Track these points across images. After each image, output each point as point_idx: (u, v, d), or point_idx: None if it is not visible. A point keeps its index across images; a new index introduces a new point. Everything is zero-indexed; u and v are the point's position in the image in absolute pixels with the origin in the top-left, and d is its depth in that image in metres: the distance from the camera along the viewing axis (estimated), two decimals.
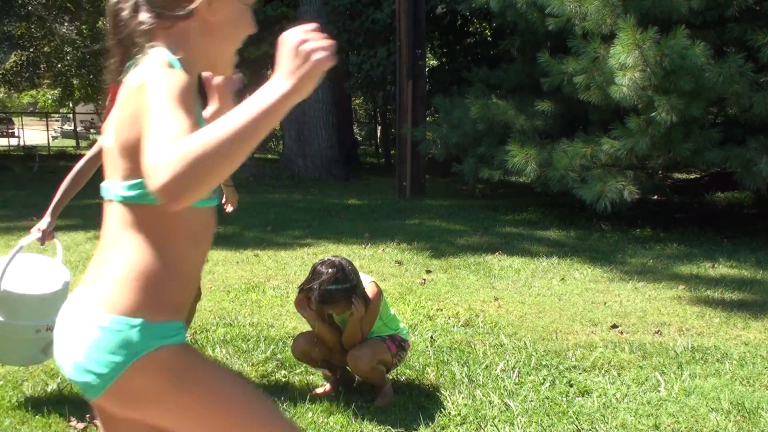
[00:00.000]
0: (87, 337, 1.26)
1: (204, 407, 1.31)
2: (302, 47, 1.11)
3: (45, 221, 2.83)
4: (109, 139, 1.33)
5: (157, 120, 1.10)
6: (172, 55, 1.31)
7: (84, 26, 23.09)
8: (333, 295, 2.92)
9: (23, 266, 2.90)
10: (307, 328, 4.11)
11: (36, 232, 2.81)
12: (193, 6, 1.32)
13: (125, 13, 1.34)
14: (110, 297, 1.26)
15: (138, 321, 1.25)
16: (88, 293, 1.31)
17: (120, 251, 1.29)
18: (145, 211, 1.27)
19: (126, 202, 1.28)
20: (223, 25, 1.38)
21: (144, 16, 1.33)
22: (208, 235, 1.37)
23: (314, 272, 3.00)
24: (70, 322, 1.31)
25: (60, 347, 1.32)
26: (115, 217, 1.31)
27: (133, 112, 1.22)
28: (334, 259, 3.04)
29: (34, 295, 2.85)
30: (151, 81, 1.19)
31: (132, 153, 1.23)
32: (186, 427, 1.33)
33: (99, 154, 2.87)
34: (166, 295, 1.30)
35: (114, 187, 1.30)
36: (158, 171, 1.02)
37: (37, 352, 2.95)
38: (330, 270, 2.96)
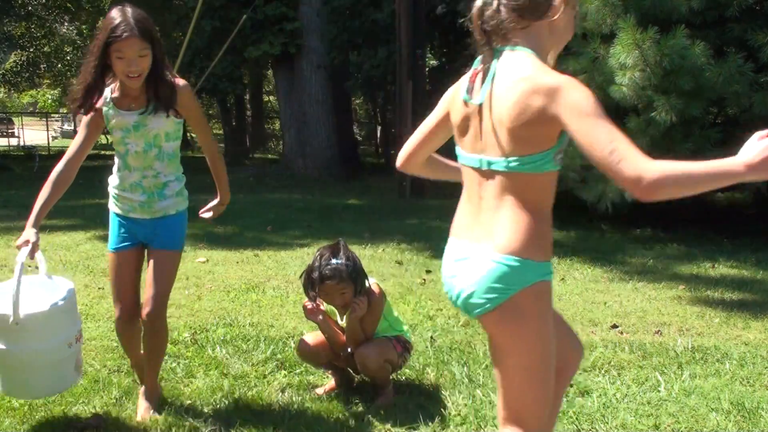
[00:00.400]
0: (488, 271, 1.68)
1: (537, 341, 1.71)
2: None
3: (31, 233, 2.63)
4: (500, 119, 1.64)
5: (608, 133, 1.52)
6: (535, 56, 1.64)
7: (84, 26, 23.08)
8: (337, 270, 2.95)
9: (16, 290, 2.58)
10: (310, 328, 4.12)
11: (25, 245, 2.61)
12: (552, 8, 1.65)
13: (489, 12, 1.66)
14: (508, 243, 1.66)
15: (529, 261, 1.66)
16: (481, 242, 1.72)
17: (506, 209, 1.68)
18: (528, 178, 1.65)
19: (511, 172, 1.65)
20: (562, 28, 1.71)
21: (505, 14, 1.65)
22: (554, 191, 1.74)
23: (315, 257, 3.06)
24: (466, 262, 1.77)
25: (456, 280, 1.81)
26: (493, 183, 1.69)
27: (541, 108, 1.56)
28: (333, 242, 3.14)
29: (55, 306, 2.61)
30: (572, 91, 1.54)
31: (528, 137, 1.60)
32: (516, 352, 1.72)
33: (77, 156, 2.79)
34: (545, 241, 1.71)
35: (499, 160, 1.66)
36: (645, 180, 1.46)
37: (72, 371, 2.75)
38: (331, 248, 3.05)
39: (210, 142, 3.02)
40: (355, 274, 3.01)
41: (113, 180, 2.93)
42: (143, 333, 2.92)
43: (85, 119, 2.82)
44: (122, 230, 2.92)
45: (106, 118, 2.80)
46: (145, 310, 2.85)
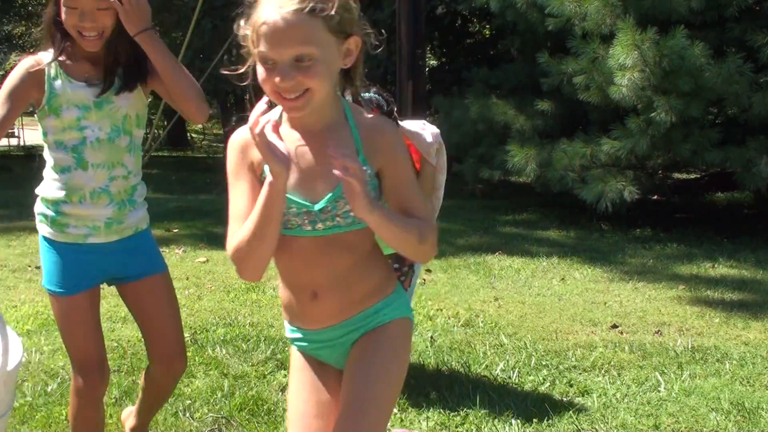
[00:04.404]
0: None
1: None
2: None
3: None
4: None
5: None
6: None
7: None
8: (370, 102, 2.75)
9: None
10: None
11: None
12: None
13: None
14: None
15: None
16: None
17: None
18: None
19: None
20: None
21: None
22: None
23: None
24: None
25: None
26: None
27: None
28: None
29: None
30: None
31: None
32: None
33: None
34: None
35: None
36: None
37: None
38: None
39: None
40: (388, 110, 2.84)
41: (48, 190, 2.09)
42: (158, 383, 2.28)
43: (10, 86, 2.02)
44: (72, 265, 2.08)
45: (50, 91, 2.03)
46: (175, 366, 2.22)
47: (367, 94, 2.82)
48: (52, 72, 2.04)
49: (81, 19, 1.95)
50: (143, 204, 2.19)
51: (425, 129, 2.93)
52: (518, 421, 2.90)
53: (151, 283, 2.18)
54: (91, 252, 2.09)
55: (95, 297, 2.16)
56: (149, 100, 2.21)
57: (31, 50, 2.10)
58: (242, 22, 1.47)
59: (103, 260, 2.11)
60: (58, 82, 2.03)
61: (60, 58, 2.04)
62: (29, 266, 5.81)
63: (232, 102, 21.34)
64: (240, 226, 1.49)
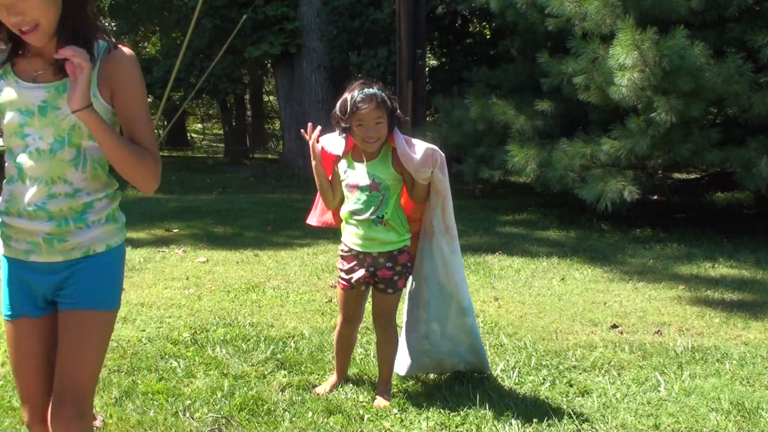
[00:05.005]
0: None
1: None
2: None
3: None
4: None
5: None
6: None
7: None
8: (374, 95, 2.88)
9: None
10: (310, 329, 4.11)
11: None
12: None
13: None
14: None
15: None
16: None
17: None
18: None
19: None
20: None
21: None
22: None
23: (346, 92, 2.96)
24: None
25: None
26: None
27: None
28: None
29: None
30: None
31: None
32: None
33: None
34: None
35: None
36: None
37: None
38: (364, 82, 2.96)
39: (150, 142, 1.87)
40: (391, 107, 2.95)
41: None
42: None
43: None
44: (18, 285, 1.87)
45: None
46: (58, 413, 1.80)
47: (369, 90, 2.87)
48: (0, 69, 1.83)
49: (8, 15, 1.71)
50: (102, 224, 1.86)
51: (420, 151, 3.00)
52: (518, 421, 2.90)
53: (85, 318, 1.84)
54: (34, 271, 1.84)
55: (44, 328, 1.88)
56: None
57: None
58: None
59: (41, 282, 1.85)
60: (3, 81, 1.82)
61: (14, 55, 1.83)
62: None
63: (232, 102, 21.33)
64: None
